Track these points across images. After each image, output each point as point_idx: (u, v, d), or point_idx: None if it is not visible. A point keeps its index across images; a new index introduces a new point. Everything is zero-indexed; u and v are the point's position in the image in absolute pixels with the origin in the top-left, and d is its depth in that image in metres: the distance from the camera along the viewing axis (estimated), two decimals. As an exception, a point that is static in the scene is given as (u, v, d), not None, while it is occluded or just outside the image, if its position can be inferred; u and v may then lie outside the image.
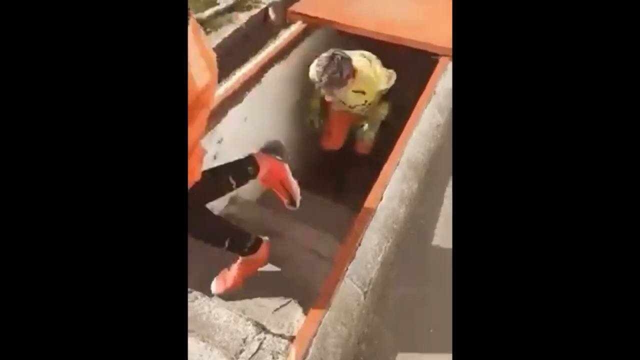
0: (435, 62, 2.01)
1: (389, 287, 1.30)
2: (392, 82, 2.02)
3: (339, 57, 1.80)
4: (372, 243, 1.30)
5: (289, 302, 1.35)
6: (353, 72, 1.85)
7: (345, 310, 1.14)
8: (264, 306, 1.33)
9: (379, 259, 1.28)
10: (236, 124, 1.86)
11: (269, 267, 1.52)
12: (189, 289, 1.16)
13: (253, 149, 1.98)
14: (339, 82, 1.81)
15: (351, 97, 1.99)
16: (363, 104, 2.02)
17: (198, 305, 1.11)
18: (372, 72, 1.93)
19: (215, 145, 1.78)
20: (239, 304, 1.34)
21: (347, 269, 1.22)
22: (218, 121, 1.75)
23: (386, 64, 2.06)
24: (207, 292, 1.31)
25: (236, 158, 1.95)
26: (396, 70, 2.14)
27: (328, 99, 1.96)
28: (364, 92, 1.96)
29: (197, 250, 1.36)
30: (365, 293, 1.19)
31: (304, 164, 2.62)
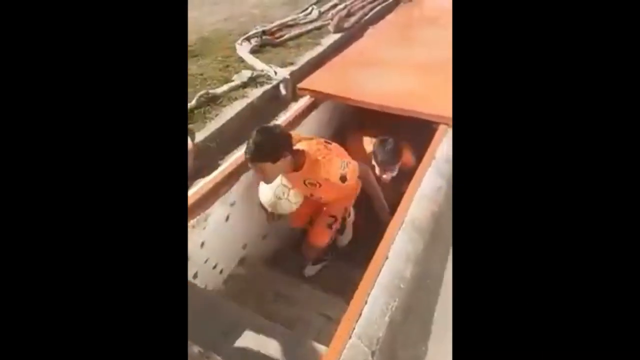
0: (435, 130, 2.15)
1: (397, 346, 1.30)
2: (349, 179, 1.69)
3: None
4: (380, 302, 1.33)
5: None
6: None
7: (354, 370, 1.14)
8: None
9: (387, 318, 1.30)
10: (249, 188, 1.96)
11: (278, 329, 1.53)
12: (202, 350, 1.18)
13: (263, 212, 2.06)
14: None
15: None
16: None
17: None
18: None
19: (229, 207, 1.87)
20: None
21: (354, 328, 1.23)
22: (231, 185, 1.86)
23: (389, 133, 2.21)
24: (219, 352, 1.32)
25: (247, 220, 2.03)
26: (398, 139, 2.28)
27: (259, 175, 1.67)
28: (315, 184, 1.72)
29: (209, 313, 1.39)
30: (372, 353, 1.19)
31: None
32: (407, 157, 2.24)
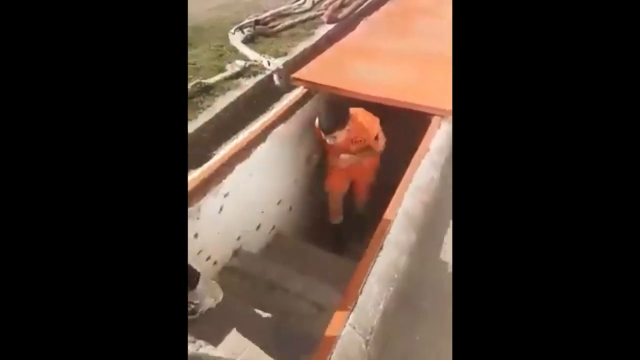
0: (429, 122, 2.15)
1: (391, 335, 1.31)
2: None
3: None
4: (374, 292, 1.34)
5: (291, 353, 1.35)
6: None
7: (347, 358, 1.15)
8: (267, 357, 1.33)
9: (381, 307, 1.31)
10: (242, 179, 1.95)
11: (272, 320, 1.54)
12: (193, 339, 1.18)
13: (257, 203, 2.06)
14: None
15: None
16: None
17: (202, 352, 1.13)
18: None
19: (222, 198, 1.86)
20: (240, 357, 1.34)
21: (348, 317, 1.24)
22: (225, 176, 1.85)
23: (382, 125, 2.21)
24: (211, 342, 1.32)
25: (240, 211, 2.03)
26: (392, 130, 2.29)
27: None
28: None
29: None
30: (367, 341, 1.20)
31: (306, 217, 2.69)
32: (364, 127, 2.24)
